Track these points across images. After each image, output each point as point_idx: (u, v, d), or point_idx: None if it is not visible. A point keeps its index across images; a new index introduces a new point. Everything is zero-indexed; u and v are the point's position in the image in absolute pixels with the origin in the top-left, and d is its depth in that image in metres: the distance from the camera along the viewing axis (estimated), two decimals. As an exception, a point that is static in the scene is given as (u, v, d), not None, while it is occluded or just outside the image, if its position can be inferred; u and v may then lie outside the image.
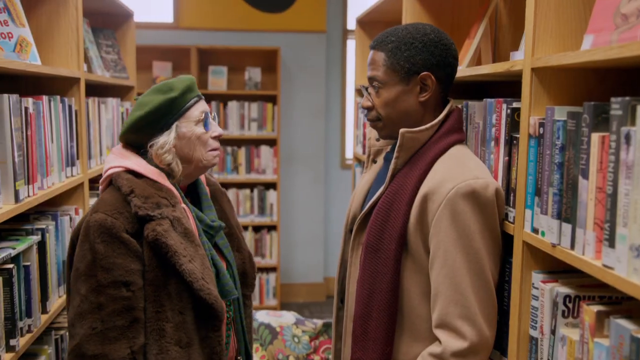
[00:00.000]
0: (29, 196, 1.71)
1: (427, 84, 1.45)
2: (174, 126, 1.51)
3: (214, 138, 1.58)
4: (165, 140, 1.50)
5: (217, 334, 1.48)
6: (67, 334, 1.45)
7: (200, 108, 1.55)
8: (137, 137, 1.53)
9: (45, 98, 1.87)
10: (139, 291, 1.41)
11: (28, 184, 1.70)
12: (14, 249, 1.61)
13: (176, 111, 1.51)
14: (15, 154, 1.60)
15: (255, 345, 2.55)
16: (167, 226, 1.42)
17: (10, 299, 1.57)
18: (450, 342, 1.34)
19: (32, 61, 1.83)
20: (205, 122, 1.55)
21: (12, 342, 1.58)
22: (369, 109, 1.52)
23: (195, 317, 1.45)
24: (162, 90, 1.51)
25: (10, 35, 1.76)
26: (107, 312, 1.38)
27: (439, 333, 1.37)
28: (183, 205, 1.52)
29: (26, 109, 1.70)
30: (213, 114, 1.62)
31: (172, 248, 1.40)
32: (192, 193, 1.66)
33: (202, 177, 1.70)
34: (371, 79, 1.49)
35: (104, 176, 1.52)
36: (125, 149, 1.55)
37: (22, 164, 1.65)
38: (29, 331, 1.71)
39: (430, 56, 1.44)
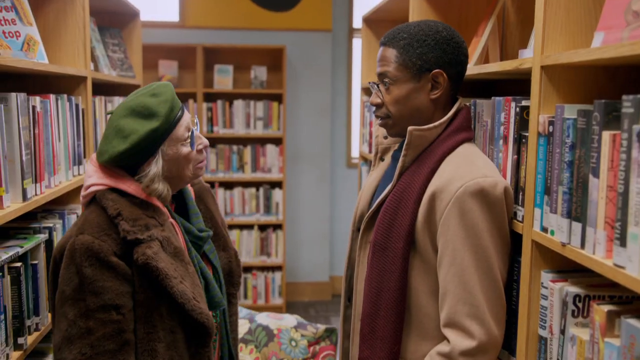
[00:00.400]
0: (36, 195, 1.71)
1: (439, 82, 1.44)
2: (159, 151, 1.42)
3: (200, 151, 1.51)
4: (155, 172, 1.41)
5: (207, 350, 1.45)
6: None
7: (184, 124, 1.46)
8: (119, 164, 1.44)
9: (52, 97, 1.88)
10: (129, 313, 1.36)
11: (35, 182, 1.71)
12: (21, 247, 1.62)
13: (161, 138, 1.41)
14: (23, 152, 1.60)
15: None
16: (157, 248, 1.36)
17: (18, 297, 1.58)
18: (458, 341, 1.33)
19: (39, 60, 1.84)
20: (190, 141, 1.47)
21: (20, 340, 1.59)
22: (378, 106, 1.50)
23: (185, 334, 1.42)
24: (143, 115, 1.39)
25: (18, 34, 1.76)
26: (97, 337, 1.32)
27: (447, 332, 1.36)
28: (171, 220, 1.47)
29: (34, 107, 1.70)
30: (195, 120, 1.53)
31: (163, 271, 1.35)
32: (178, 198, 1.60)
33: None
34: (381, 75, 1.48)
35: (85, 192, 1.43)
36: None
37: (29, 163, 1.66)
38: (36, 329, 1.72)
39: (442, 54, 1.43)
